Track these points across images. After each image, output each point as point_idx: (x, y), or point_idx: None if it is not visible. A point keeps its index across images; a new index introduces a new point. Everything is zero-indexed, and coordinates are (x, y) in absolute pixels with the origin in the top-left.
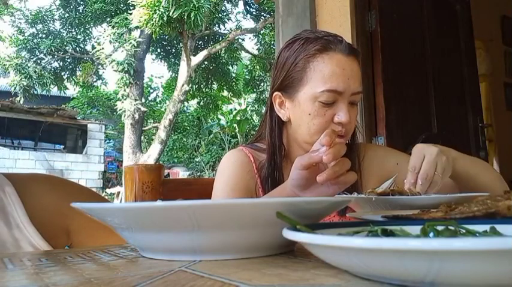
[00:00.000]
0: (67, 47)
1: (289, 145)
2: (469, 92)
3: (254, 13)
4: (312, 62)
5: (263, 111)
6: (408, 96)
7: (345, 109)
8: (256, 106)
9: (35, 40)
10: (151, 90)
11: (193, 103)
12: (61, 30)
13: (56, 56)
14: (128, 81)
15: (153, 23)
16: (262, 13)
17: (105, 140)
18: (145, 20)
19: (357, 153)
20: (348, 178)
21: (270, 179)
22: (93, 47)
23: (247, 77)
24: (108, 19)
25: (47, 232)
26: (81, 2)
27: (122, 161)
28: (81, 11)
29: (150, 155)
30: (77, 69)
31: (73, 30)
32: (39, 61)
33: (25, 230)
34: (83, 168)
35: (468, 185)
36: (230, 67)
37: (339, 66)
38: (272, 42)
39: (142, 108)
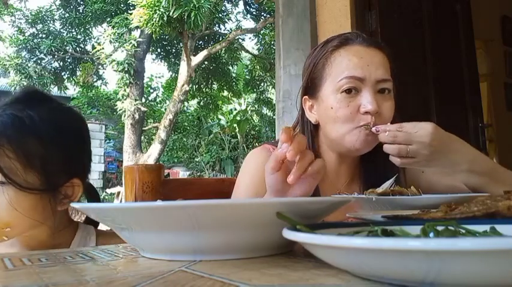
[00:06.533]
0: (67, 47)
1: (320, 149)
2: (469, 92)
3: (254, 13)
4: (329, 58)
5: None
6: (408, 97)
7: (370, 97)
8: (256, 106)
9: (35, 40)
10: (151, 90)
11: (193, 103)
12: (61, 30)
13: (56, 56)
14: (128, 81)
15: (153, 23)
16: (262, 13)
17: (105, 140)
18: (145, 20)
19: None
20: (316, 166)
21: None
22: (93, 47)
23: (247, 77)
24: (108, 19)
25: None
26: (81, 2)
27: (122, 161)
28: (81, 11)
29: (150, 155)
30: (77, 69)
31: (73, 30)
32: (39, 61)
33: None
34: None
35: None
36: (230, 67)
37: (356, 55)
38: (272, 42)
39: (143, 108)
